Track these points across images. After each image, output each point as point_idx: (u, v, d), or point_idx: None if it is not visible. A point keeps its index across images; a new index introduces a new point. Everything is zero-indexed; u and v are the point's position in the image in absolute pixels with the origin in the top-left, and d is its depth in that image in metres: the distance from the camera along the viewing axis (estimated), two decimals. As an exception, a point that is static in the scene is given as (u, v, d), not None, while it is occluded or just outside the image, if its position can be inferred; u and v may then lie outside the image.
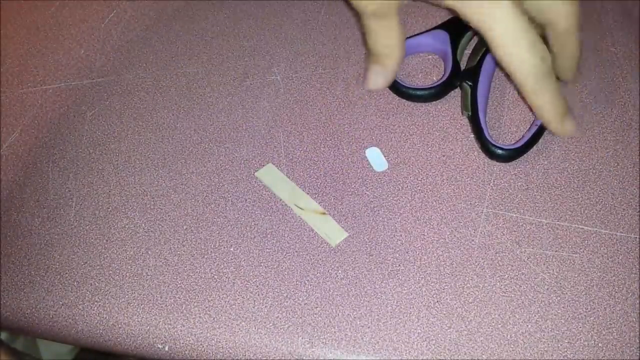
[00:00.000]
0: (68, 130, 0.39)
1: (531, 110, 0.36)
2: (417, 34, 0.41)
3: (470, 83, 0.37)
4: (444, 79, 0.38)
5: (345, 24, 0.43)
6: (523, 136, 0.37)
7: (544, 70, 0.30)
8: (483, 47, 0.39)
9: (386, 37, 0.35)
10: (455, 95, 0.39)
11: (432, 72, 0.40)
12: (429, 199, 0.35)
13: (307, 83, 0.40)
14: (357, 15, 0.35)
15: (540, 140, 0.37)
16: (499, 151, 0.36)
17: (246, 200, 0.36)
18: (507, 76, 0.35)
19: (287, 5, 0.44)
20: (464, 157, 0.37)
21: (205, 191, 0.36)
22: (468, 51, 0.40)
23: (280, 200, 0.36)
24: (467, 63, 0.39)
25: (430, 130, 0.38)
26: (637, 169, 0.36)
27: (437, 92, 0.39)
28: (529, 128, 0.37)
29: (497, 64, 0.34)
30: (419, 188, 0.36)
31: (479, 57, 0.38)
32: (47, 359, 0.69)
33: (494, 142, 0.36)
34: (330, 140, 0.38)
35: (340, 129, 0.38)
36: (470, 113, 0.37)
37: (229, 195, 0.36)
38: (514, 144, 0.37)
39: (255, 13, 0.44)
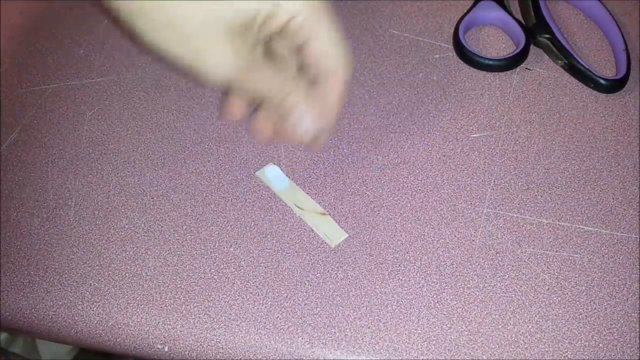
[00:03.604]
0: (67, 130, 0.39)
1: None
2: (467, 12, 0.41)
3: (546, 35, 0.39)
4: (522, 41, 0.39)
5: (348, 24, 0.43)
6: (618, 69, 0.39)
7: None
8: (528, 1, 0.41)
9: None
10: (457, 97, 0.39)
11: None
12: (429, 199, 0.35)
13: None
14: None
15: (544, 143, 0.37)
16: (603, 81, 0.38)
17: (246, 200, 0.36)
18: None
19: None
20: (464, 157, 0.37)
21: (205, 191, 0.36)
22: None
23: (280, 200, 0.35)
24: (526, 22, 0.41)
25: (430, 129, 0.38)
26: (637, 169, 0.36)
27: (521, 56, 0.39)
28: (617, 59, 0.39)
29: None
30: (419, 188, 0.36)
31: (532, 13, 0.40)
32: (46, 359, 0.69)
33: (598, 74, 0.38)
34: (330, 140, 0.38)
35: (340, 128, 0.38)
36: (565, 60, 0.39)
37: (229, 195, 0.36)
38: (614, 75, 0.39)
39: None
